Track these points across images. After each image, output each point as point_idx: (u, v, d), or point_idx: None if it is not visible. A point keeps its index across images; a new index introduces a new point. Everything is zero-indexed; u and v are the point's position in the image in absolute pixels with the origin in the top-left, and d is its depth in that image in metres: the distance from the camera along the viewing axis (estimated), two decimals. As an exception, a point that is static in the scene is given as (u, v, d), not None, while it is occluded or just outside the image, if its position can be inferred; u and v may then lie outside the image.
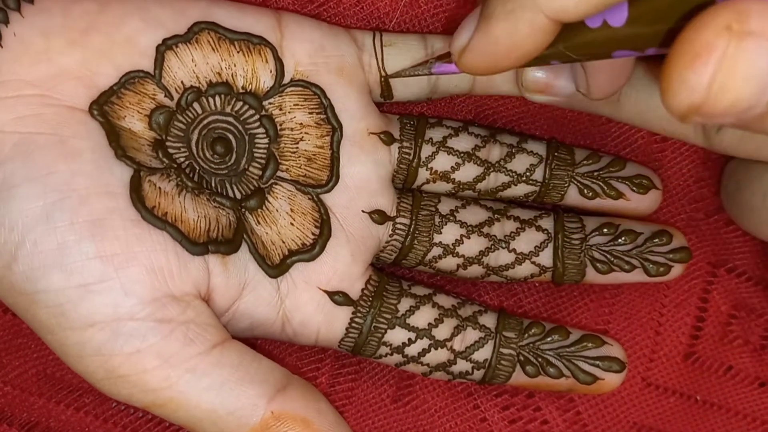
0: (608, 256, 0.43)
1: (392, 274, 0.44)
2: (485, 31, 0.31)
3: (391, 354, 0.41)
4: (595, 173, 0.43)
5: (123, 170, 0.37)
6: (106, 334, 0.35)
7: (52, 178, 0.35)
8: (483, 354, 0.42)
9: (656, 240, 0.43)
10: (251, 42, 0.40)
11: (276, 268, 0.39)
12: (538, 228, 0.43)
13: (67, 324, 0.35)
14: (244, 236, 0.39)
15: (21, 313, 0.36)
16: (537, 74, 0.41)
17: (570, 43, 0.32)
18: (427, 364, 0.42)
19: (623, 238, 0.43)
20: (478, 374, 0.42)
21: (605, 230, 0.43)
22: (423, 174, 0.43)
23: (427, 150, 0.43)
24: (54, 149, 0.36)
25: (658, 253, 0.43)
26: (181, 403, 0.36)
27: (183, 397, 0.36)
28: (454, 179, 0.43)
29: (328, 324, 0.41)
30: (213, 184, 0.39)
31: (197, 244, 0.37)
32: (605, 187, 0.43)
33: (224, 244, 0.38)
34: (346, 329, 0.41)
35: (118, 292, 0.35)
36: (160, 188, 0.37)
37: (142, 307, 0.36)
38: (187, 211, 0.37)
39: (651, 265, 0.43)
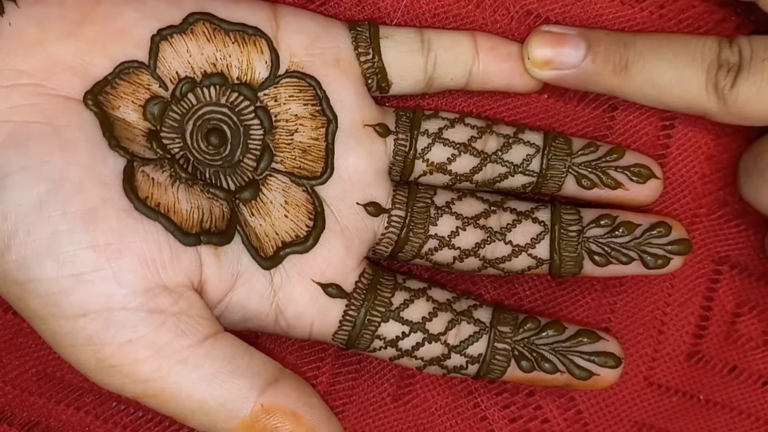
0: (606, 248, 0.43)
1: (388, 268, 0.44)
2: None
3: (385, 347, 0.42)
4: (593, 163, 0.43)
5: (116, 160, 0.37)
6: (98, 324, 0.36)
7: (46, 168, 0.36)
8: (477, 348, 0.42)
9: (655, 231, 0.43)
10: (246, 33, 0.40)
11: (269, 260, 0.40)
12: (535, 220, 0.43)
13: (60, 313, 0.36)
14: (238, 228, 0.39)
15: (14, 302, 0.37)
16: (543, 48, 0.42)
17: None
18: (421, 358, 0.42)
19: (621, 230, 0.43)
20: (472, 368, 0.42)
21: (602, 222, 0.43)
22: (419, 166, 0.43)
23: (423, 141, 0.43)
24: (48, 139, 0.36)
25: (656, 245, 0.43)
26: (172, 394, 0.37)
27: (174, 388, 0.37)
28: (451, 170, 0.43)
29: (321, 316, 0.41)
30: (207, 176, 0.40)
31: (190, 235, 0.37)
32: (603, 177, 0.43)
33: (217, 235, 0.38)
34: (340, 322, 0.41)
35: (110, 281, 0.36)
36: (153, 179, 0.38)
37: (134, 297, 0.36)
38: (180, 201, 0.38)
39: (649, 258, 0.42)
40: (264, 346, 0.46)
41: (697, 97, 0.41)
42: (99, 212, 0.36)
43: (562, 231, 0.43)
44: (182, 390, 0.37)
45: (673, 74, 0.41)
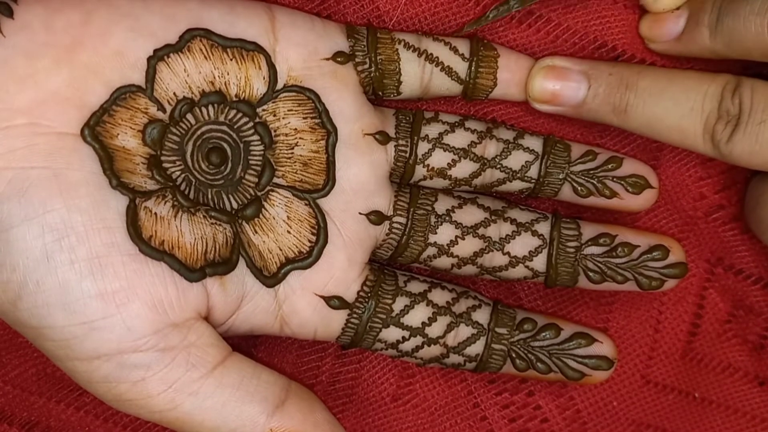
0: (602, 266, 0.43)
1: (390, 265, 0.45)
2: None
3: (386, 349, 0.43)
4: (591, 172, 0.44)
5: (118, 200, 0.37)
6: (112, 365, 0.37)
7: (49, 217, 0.36)
8: (475, 349, 0.43)
9: (652, 255, 0.43)
10: (245, 49, 0.40)
11: (272, 277, 0.40)
12: (534, 233, 0.44)
13: (74, 355, 0.37)
14: (241, 251, 0.40)
15: (30, 340, 0.38)
16: (544, 84, 0.43)
17: None
18: (421, 358, 0.43)
19: (619, 250, 0.43)
20: (470, 365, 0.44)
21: (601, 240, 0.44)
22: (420, 171, 0.44)
23: (423, 147, 0.43)
24: (49, 184, 0.36)
25: (653, 268, 0.43)
26: (186, 422, 0.38)
27: (188, 417, 0.38)
28: (451, 175, 0.44)
29: (324, 325, 0.42)
30: (209, 196, 0.40)
31: (195, 271, 0.38)
32: (599, 186, 0.44)
33: (221, 264, 0.39)
34: (342, 329, 0.42)
35: (120, 328, 0.37)
36: (156, 214, 0.38)
37: (146, 340, 0.37)
38: (184, 235, 0.38)
39: (644, 279, 0.43)
40: (265, 345, 0.47)
41: (694, 144, 0.41)
42: (105, 260, 0.36)
43: (560, 246, 0.43)
44: (195, 419, 0.38)
45: (671, 122, 0.41)
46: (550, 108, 0.43)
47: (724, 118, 0.40)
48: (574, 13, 0.43)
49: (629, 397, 0.47)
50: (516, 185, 0.44)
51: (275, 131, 0.41)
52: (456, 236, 0.43)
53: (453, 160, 0.43)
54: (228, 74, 0.40)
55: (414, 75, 0.43)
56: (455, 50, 0.43)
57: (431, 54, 0.43)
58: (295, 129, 0.41)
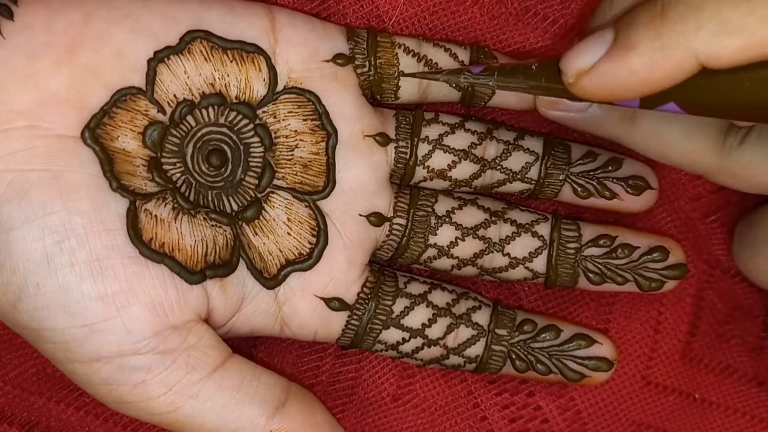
0: (602, 268, 0.44)
1: (390, 266, 0.45)
2: (622, 61, 0.33)
3: (386, 350, 0.43)
4: (591, 173, 0.44)
5: (119, 203, 0.37)
6: (113, 368, 0.37)
7: (49, 219, 0.36)
8: (475, 350, 0.43)
9: (652, 256, 0.43)
10: (245, 50, 0.40)
11: (273, 279, 0.40)
12: (534, 234, 0.44)
13: (74, 357, 0.37)
14: (241, 254, 0.40)
15: (30, 342, 0.38)
16: None
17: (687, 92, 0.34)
18: (421, 359, 0.43)
19: (619, 252, 0.43)
20: (470, 366, 0.44)
21: (601, 242, 0.44)
22: (420, 172, 0.44)
23: (423, 148, 0.43)
24: (49, 187, 0.36)
25: (653, 269, 0.44)
26: (186, 424, 0.38)
27: (188, 419, 0.38)
28: (451, 177, 0.44)
29: (325, 327, 0.42)
30: (210, 198, 0.40)
31: (195, 273, 0.38)
32: (600, 188, 0.44)
33: (222, 267, 0.39)
34: (343, 330, 0.42)
35: (120, 330, 0.37)
36: (156, 216, 0.38)
37: (146, 343, 0.37)
38: (184, 237, 0.39)
39: (644, 281, 0.43)
40: (264, 345, 0.47)
41: (702, 153, 0.40)
42: (105, 262, 0.36)
43: (560, 248, 0.43)
44: (195, 421, 0.38)
45: (680, 128, 0.40)
46: (556, 113, 0.42)
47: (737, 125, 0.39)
48: (572, 9, 0.43)
49: (630, 397, 0.47)
50: (516, 186, 0.44)
51: (275, 133, 0.41)
52: (456, 237, 0.43)
53: (453, 161, 0.43)
54: (228, 76, 0.40)
55: (412, 80, 0.43)
56: (455, 57, 0.43)
57: (430, 60, 0.43)
58: (295, 131, 0.41)
